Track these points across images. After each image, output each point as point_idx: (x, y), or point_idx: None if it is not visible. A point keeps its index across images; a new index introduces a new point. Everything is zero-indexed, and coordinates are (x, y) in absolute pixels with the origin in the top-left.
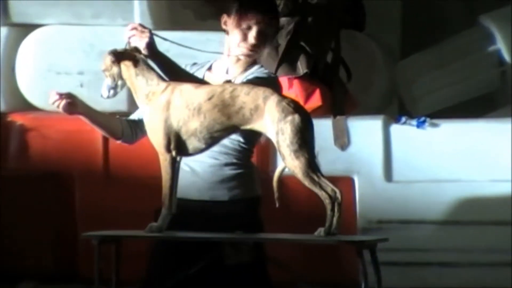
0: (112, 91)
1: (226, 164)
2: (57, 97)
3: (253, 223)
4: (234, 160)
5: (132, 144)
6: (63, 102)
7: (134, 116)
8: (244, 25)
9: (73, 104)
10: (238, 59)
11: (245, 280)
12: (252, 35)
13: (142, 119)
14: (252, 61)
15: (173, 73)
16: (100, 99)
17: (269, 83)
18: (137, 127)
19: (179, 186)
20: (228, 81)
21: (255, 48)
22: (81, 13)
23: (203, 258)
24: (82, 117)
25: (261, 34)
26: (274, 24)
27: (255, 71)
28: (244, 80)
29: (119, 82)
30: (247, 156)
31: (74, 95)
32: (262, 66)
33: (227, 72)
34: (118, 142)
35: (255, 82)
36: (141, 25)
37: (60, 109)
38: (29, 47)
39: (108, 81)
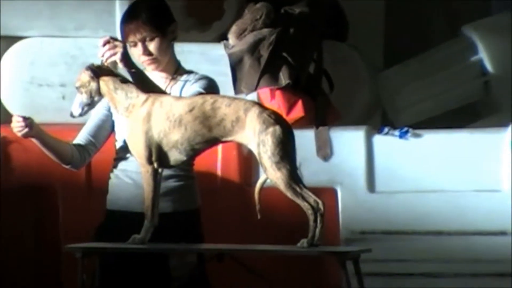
0: (86, 108)
1: (170, 176)
2: (22, 124)
3: (196, 235)
4: (177, 172)
5: (78, 169)
6: (25, 130)
7: (82, 133)
8: (130, 42)
9: (30, 128)
10: (153, 68)
11: None
12: (138, 52)
13: (90, 141)
14: (174, 67)
15: (145, 84)
16: None
17: (212, 90)
18: (85, 152)
19: (121, 199)
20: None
21: (154, 60)
22: (63, 25)
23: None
24: (34, 140)
25: (146, 49)
26: (163, 34)
27: (191, 83)
28: (183, 92)
29: (96, 98)
30: (189, 167)
31: (32, 119)
32: (192, 72)
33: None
34: (66, 167)
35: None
36: (112, 38)
37: (18, 134)
38: (11, 59)
39: (83, 98)
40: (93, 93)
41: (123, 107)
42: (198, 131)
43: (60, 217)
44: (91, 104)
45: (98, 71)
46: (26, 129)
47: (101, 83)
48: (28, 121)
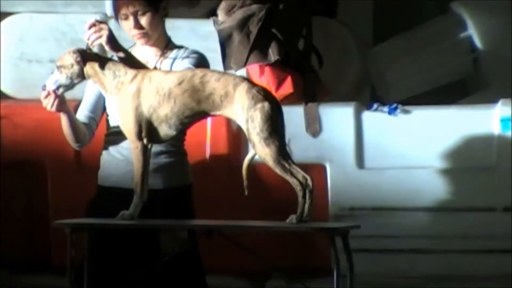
0: (61, 89)
1: (161, 152)
2: (53, 95)
3: (187, 211)
4: (168, 148)
5: (82, 148)
6: (57, 101)
7: (83, 111)
8: (121, 15)
9: (63, 102)
10: (143, 43)
11: (181, 268)
12: (129, 25)
13: (92, 119)
14: (164, 42)
15: (133, 65)
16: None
17: (202, 66)
18: (90, 130)
19: (112, 175)
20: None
21: (144, 34)
22: (52, 1)
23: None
24: (64, 116)
25: (138, 23)
26: (156, 9)
27: (181, 58)
28: (173, 67)
29: (76, 81)
30: (180, 143)
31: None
32: (182, 47)
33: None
34: (75, 146)
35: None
36: (98, 21)
37: (52, 108)
38: (1, 35)
39: (62, 78)
40: (74, 76)
41: (112, 86)
42: (187, 104)
43: (50, 193)
44: (68, 86)
45: (84, 55)
46: (57, 101)
47: (87, 67)
48: (58, 94)
